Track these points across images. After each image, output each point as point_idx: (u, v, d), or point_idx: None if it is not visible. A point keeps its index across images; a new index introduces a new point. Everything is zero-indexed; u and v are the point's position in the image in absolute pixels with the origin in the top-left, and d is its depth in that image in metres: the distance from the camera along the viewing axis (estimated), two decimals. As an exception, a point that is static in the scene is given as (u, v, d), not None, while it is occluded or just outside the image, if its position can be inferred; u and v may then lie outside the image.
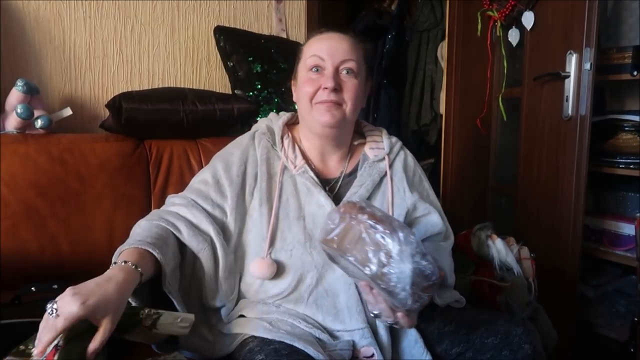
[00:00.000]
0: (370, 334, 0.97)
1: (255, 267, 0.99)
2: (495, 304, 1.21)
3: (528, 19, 1.77)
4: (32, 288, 1.07)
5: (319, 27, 1.65)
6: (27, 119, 1.27)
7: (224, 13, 1.70)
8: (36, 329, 0.98)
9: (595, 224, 1.81)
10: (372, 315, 0.87)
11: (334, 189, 1.08)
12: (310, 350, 0.86)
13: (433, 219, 1.10)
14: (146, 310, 0.84)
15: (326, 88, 1.00)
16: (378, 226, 0.79)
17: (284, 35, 1.81)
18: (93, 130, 1.48)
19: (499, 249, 1.25)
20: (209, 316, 1.04)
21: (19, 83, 1.29)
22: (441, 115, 2.21)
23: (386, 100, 2.57)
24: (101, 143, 1.34)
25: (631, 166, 1.66)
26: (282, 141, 1.09)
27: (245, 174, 1.05)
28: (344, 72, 1.02)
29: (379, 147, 1.12)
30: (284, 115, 1.14)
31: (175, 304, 0.89)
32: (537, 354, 0.96)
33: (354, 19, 2.80)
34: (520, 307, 1.18)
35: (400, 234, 0.78)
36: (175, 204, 1.03)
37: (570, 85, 1.61)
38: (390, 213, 1.06)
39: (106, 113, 1.41)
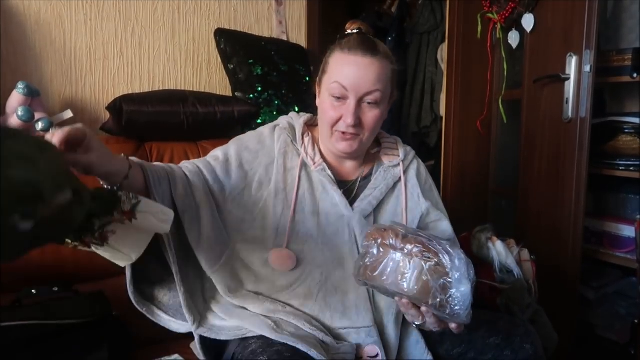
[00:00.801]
0: (377, 334, 0.98)
1: (276, 258, 0.99)
2: (495, 306, 1.21)
3: (528, 21, 1.77)
4: (33, 291, 1.07)
5: (319, 29, 1.64)
6: (28, 122, 1.28)
7: (224, 15, 1.71)
8: (37, 332, 0.98)
9: (596, 226, 1.81)
10: (414, 325, 0.88)
11: (350, 191, 1.09)
12: (313, 353, 0.86)
13: (444, 225, 1.10)
14: (125, 195, 0.82)
15: (345, 122, 0.99)
16: (428, 253, 0.79)
17: (285, 38, 1.82)
18: (94, 132, 1.48)
19: (499, 251, 1.25)
20: (205, 289, 1.04)
21: (20, 85, 1.29)
22: (441, 117, 2.21)
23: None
24: (102, 145, 1.34)
25: (631, 168, 1.66)
26: (303, 138, 1.09)
27: (256, 163, 1.05)
28: (367, 102, 0.99)
29: (394, 154, 1.13)
30: (305, 115, 1.14)
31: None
32: (538, 355, 0.97)
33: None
34: (520, 310, 1.18)
35: (453, 254, 0.78)
36: (185, 166, 1.03)
37: (570, 87, 1.61)
38: (405, 217, 1.07)
39: (107, 115, 1.41)
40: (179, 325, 1.02)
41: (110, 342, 1.04)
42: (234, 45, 1.63)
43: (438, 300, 0.77)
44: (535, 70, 1.78)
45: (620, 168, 1.69)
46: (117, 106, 1.35)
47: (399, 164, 1.11)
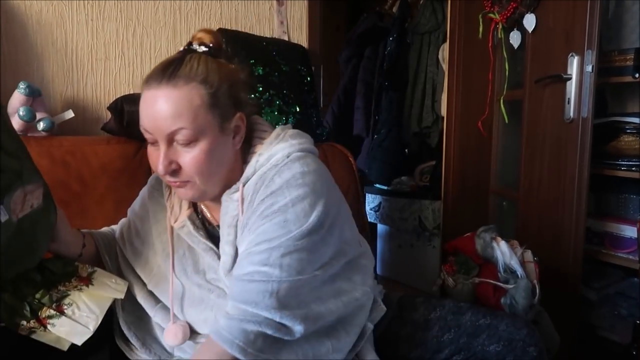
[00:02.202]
0: None
1: (169, 335, 0.92)
2: (499, 306, 1.20)
3: (529, 21, 1.77)
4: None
5: (320, 29, 1.64)
6: (29, 122, 1.28)
7: (225, 15, 1.71)
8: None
9: (597, 227, 1.81)
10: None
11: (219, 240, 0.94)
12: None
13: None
14: (80, 264, 0.88)
15: (157, 171, 0.84)
16: None
17: (286, 38, 1.82)
18: (95, 132, 1.48)
19: (503, 251, 1.25)
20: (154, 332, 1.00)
21: (21, 85, 1.29)
22: (442, 118, 2.22)
23: (387, 103, 2.57)
24: (103, 146, 1.34)
25: (633, 168, 1.66)
26: (170, 189, 0.98)
27: (144, 229, 1.02)
28: (180, 144, 0.82)
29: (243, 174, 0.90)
30: None
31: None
32: (542, 357, 0.94)
33: (355, 22, 2.81)
34: (524, 310, 1.18)
35: None
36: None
37: (571, 87, 1.61)
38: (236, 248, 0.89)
39: (108, 115, 1.41)
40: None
41: (111, 344, 1.04)
42: (235, 46, 1.63)
43: None
44: (536, 71, 1.78)
45: (622, 168, 1.68)
46: (119, 106, 1.35)
47: (238, 189, 0.88)
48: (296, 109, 1.61)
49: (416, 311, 1.05)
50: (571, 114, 1.62)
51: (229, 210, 0.88)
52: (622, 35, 1.85)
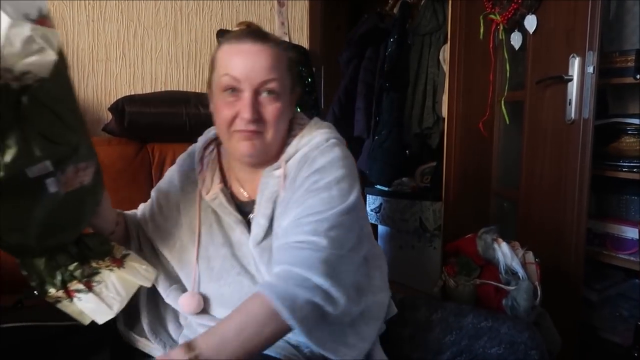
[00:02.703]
0: None
1: (184, 303, 0.94)
2: (500, 307, 1.20)
3: (530, 22, 1.77)
4: (35, 292, 1.07)
5: (321, 30, 1.64)
6: (30, 123, 1.27)
7: (226, 16, 1.71)
8: (38, 334, 0.98)
9: (599, 228, 1.80)
10: None
11: (250, 213, 0.97)
12: (282, 355, 0.85)
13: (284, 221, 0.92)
14: (116, 245, 0.89)
15: (243, 117, 0.88)
16: None
17: (287, 38, 1.82)
18: (96, 133, 1.48)
19: (505, 252, 1.25)
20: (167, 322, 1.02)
21: (22, 86, 1.29)
22: (443, 119, 2.21)
23: (388, 104, 2.57)
24: (104, 146, 1.34)
25: (634, 169, 1.66)
26: (202, 162, 1.02)
27: (169, 205, 1.03)
28: (265, 94, 0.88)
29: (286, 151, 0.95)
30: (213, 130, 1.04)
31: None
32: (544, 359, 0.94)
33: (356, 23, 2.81)
34: (525, 311, 1.18)
35: None
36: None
37: (573, 88, 1.60)
38: (273, 223, 0.92)
39: (109, 116, 1.41)
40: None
41: (112, 344, 1.04)
42: (236, 47, 1.63)
43: None
44: (537, 72, 1.78)
45: (623, 169, 1.68)
46: (120, 107, 1.35)
47: (279, 167, 0.93)
48: (297, 109, 1.60)
49: (418, 312, 1.05)
50: (572, 115, 1.61)
51: (268, 186, 0.92)
52: (623, 36, 1.85)
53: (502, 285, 1.21)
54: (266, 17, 1.78)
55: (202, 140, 1.06)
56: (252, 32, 0.91)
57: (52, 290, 0.81)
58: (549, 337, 1.20)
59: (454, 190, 2.11)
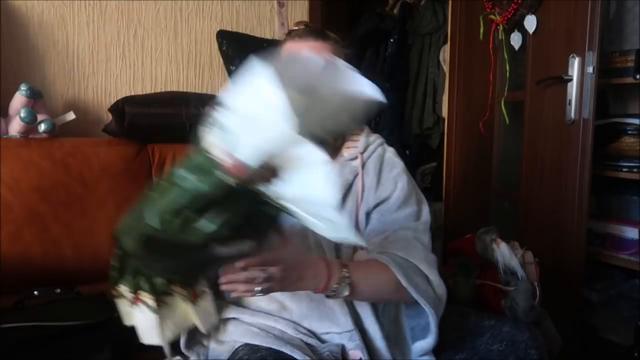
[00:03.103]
0: (359, 337, 0.96)
1: None
2: (499, 308, 1.20)
3: (530, 22, 1.77)
4: (35, 292, 1.07)
5: (320, 29, 1.63)
6: (31, 123, 1.28)
7: (226, 17, 1.71)
8: (39, 334, 0.98)
9: (599, 228, 1.80)
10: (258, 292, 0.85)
11: None
12: (298, 354, 0.86)
13: (399, 214, 1.04)
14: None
15: None
16: None
17: (287, 39, 1.82)
18: (96, 134, 1.48)
19: (504, 253, 1.25)
20: None
21: (23, 87, 1.29)
22: (443, 119, 2.21)
23: (388, 104, 2.57)
24: (104, 147, 1.34)
25: (634, 170, 1.66)
26: None
27: None
28: None
29: (355, 145, 1.08)
30: None
31: None
32: (543, 358, 0.95)
33: (356, 23, 2.81)
34: (524, 312, 1.18)
35: None
36: None
37: (573, 89, 1.60)
38: (358, 211, 1.03)
39: (109, 117, 1.41)
40: None
41: (112, 344, 1.04)
42: (236, 47, 1.63)
43: None
44: (537, 72, 1.78)
45: (624, 170, 1.68)
46: (120, 108, 1.35)
47: (357, 157, 1.05)
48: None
49: None
50: (572, 115, 1.61)
51: (344, 173, 1.04)
52: (623, 36, 1.85)
53: (501, 286, 1.21)
54: (266, 17, 1.78)
55: None
56: (314, 31, 1.01)
57: (124, 287, 0.81)
58: (548, 337, 1.20)
59: (454, 191, 2.11)
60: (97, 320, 1.04)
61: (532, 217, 1.83)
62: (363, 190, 1.04)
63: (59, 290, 1.09)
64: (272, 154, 0.67)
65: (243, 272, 0.77)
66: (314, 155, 0.65)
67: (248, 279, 0.77)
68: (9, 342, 0.95)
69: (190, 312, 0.85)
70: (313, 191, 0.67)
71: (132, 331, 1.10)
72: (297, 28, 1.04)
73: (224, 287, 0.79)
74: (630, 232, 1.72)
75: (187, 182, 0.68)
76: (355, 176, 1.05)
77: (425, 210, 1.06)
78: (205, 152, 0.70)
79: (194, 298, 0.85)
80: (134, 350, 1.10)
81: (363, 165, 1.05)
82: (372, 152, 1.08)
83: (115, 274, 0.81)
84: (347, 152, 1.07)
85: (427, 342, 0.95)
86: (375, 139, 1.10)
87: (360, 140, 1.08)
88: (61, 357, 1.00)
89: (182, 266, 0.76)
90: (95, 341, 1.03)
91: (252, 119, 0.67)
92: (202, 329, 0.87)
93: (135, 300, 0.81)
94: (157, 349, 1.13)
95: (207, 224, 0.68)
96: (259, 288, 0.79)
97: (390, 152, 1.10)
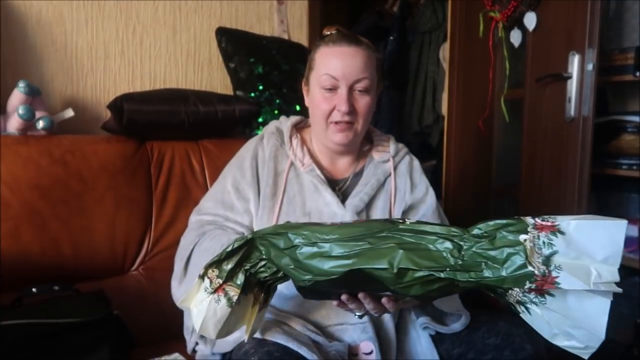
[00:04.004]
0: (372, 330, 0.98)
1: None
2: (498, 304, 1.20)
3: (530, 20, 1.77)
4: (33, 290, 1.07)
5: (322, 29, 1.64)
6: (29, 120, 1.27)
7: (225, 14, 1.70)
8: (38, 331, 0.98)
9: (598, 226, 1.80)
10: (356, 315, 0.88)
11: (342, 188, 1.11)
12: (304, 351, 0.87)
13: (427, 219, 1.10)
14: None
15: (340, 110, 1.02)
16: None
17: (286, 37, 1.81)
18: (94, 131, 1.48)
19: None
20: None
21: (21, 84, 1.29)
22: (443, 117, 2.21)
23: (388, 102, 2.57)
24: (103, 144, 1.34)
25: (634, 167, 1.66)
26: (291, 141, 1.12)
27: (258, 174, 1.09)
28: (358, 90, 1.03)
29: (385, 150, 1.15)
30: (293, 118, 1.17)
31: None
32: (538, 355, 0.96)
33: (356, 21, 2.80)
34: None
35: None
36: (206, 222, 1.08)
37: (572, 86, 1.60)
38: (391, 212, 1.10)
39: (108, 114, 1.41)
40: None
41: (110, 341, 1.04)
42: (235, 44, 1.62)
43: None
44: (537, 69, 1.78)
45: (623, 167, 1.68)
46: (118, 105, 1.35)
47: (389, 160, 1.13)
48: (296, 108, 1.60)
49: None
50: (572, 113, 1.61)
51: (376, 173, 1.11)
52: (623, 34, 1.85)
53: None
54: (265, 15, 1.77)
55: (284, 124, 1.15)
56: (347, 36, 1.04)
57: (215, 272, 0.81)
58: (548, 334, 1.19)
59: (454, 189, 2.11)
60: (95, 317, 1.03)
61: (531, 214, 1.83)
62: (396, 190, 1.11)
63: (57, 287, 1.09)
64: None
65: (365, 300, 0.82)
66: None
67: (367, 309, 0.83)
68: (7, 339, 0.95)
69: (248, 317, 0.85)
70: (584, 316, 0.67)
71: (129, 328, 1.11)
72: (329, 33, 1.07)
73: (336, 304, 0.84)
74: (630, 230, 1.71)
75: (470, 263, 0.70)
76: (387, 177, 1.12)
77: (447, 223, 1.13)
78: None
79: (260, 307, 0.86)
80: (131, 347, 1.11)
81: (395, 167, 1.13)
82: (402, 157, 1.16)
83: (222, 256, 0.81)
84: (377, 155, 1.14)
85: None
86: (403, 147, 1.19)
87: (391, 146, 1.16)
88: (59, 355, 1.00)
89: (329, 285, 0.77)
90: (94, 338, 1.03)
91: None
92: (246, 335, 0.86)
93: (218, 290, 0.80)
94: (154, 346, 1.14)
95: (420, 289, 0.71)
96: (361, 313, 0.86)
97: (416, 161, 1.19)
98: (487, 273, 0.68)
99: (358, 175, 1.12)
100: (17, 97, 1.29)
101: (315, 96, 1.05)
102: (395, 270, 0.70)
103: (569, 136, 1.64)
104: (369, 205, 1.08)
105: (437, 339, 1.03)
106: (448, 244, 0.71)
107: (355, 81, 1.01)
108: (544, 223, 0.70)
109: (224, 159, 1.19)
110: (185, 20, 1.64)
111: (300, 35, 1.84)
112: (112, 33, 1.53)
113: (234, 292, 0.80)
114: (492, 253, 0.69)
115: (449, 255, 0.70)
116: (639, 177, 1.64)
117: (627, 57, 1.65)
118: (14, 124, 1.29)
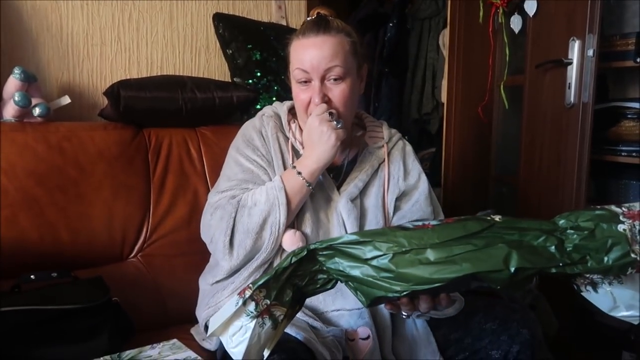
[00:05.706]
0: (369, 315, 0.99)
1: (287, 240, 1.01)
2: (496, 291, 1.21)
3: (530, 5, 1.75)
4: (32, 276, 1.07)
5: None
6: (25, 107, 1.27)
7: (222, 0, 1.69)
8: (36, 318, 0.98)
9: (597, 213, 1.80)
10: (403, 316, 0.89)
11: (337, 175, 1.11)
12: (301, 336, 0.87)
13: (418, 206, 1.12)
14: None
15: (314, 102, 1.03)
16: None
17: (284, 23, 1.80)
18: (91, 118, 1.47)
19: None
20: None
21: (16, 71, 1.28)
22: (443, 104, 2.20)
23: (387, 90, 2.55)
24: (100, 131, 1.33)
25: (633, 154, 1.65)
26: (290, 124, 1.13)
27: (269, 148, 1.10)
28: (331, 80, 1.02)
29: (379, 136, 1.15)
30: (288, 102, 1.17)
31: None
32: (535, 340, 0.97)
33: (355, 7, 2.78)
34: (521, 295, 1.18)
35: None
36: (231, 197, 1.06)
37: (572, 72, 1.59)
38: (385, 199, 1.10)
39: (104, 101, 1.40)
40: None
41: (109, 328, 1.04)
42: (232, 30, 1.61)
43: None
44: (537, 56, 1.76)
45: (623, 154, 1.68)
46: (115, 92, 1.34)
47: (383, 146, 1.13)
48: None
49: None
50: (572, 99, 1.60)
51: (370, 159, 1.11)
52: (623, 19, 1.83)
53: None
54: (263, 0, 1.75)
55: (280, 109, 1.16)
56: (315, 24, 1.03)
57: (261, 293, 0.72)
58: (544, 320, 1.20)
59: (453, 176, 2.10)
60: (93, 304, 1.04)
61: (530, 201, 1.83)
62: (389, 176, 1.11)
63: (55, 274, 1.09)
64: None
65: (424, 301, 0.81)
66: None
67: (421, 309, 0.82)
68: (5, 325, 0.96)
69: (273, 331, 0.75)
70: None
71: (128, 315, 1.11)
72: (303, 23, 1.07)
73: (389, 307, 0.84)
74: (629, 217, 1.71)
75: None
76: (381, 163, 1.12)
77: (439, 209, 1.16)
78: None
79: (289, 318, 0.77)
80: (130, 333, 1.11)
81: (388, 153, 1.13)
82: (395, 143, 1.16)
83: (273, 274, 0.73)
84: (370, 141, 1.14)
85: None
86: (396, 132, 1.18)
87: (384, 131, 1.16)
88: (58, 341, 1.00)
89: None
90: (93, 325, 1.03)
91: None
92: (264, 351, 0.75)
93: (263, 313, 0.72)
94: (153, 332, 1.14)
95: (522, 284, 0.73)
96: (409, 314, 0.87)
97: (409, 146, 1.18)
98: (592, 264, 0.71)
99: (352, 162, 1.13)
100: (12, 84, 1.28)
101: (294, 89, 1.07)
102: (512, 272, 0.69)
103: (568, 122, 1.63)
104: (363, 192, 1.09)
105: (434, 325, 1.04)
106: (552, 239, 0.72)
107: (326, 70, 1.01)
108: (632, 212, 0.73)
109: (222, 145, 1.19)
110: (182, 5, 1.62)
111: (298, 21, 1.83)
112: (108, 19, 1.52)
113: (280, 312, 0.73)
114: (595, 244, 0.71)
115: (555, 251, 0.72)
116: (639, 163, 1.63)
117: (627, 42, 1.64)
118: (10, 110, 1.28)
